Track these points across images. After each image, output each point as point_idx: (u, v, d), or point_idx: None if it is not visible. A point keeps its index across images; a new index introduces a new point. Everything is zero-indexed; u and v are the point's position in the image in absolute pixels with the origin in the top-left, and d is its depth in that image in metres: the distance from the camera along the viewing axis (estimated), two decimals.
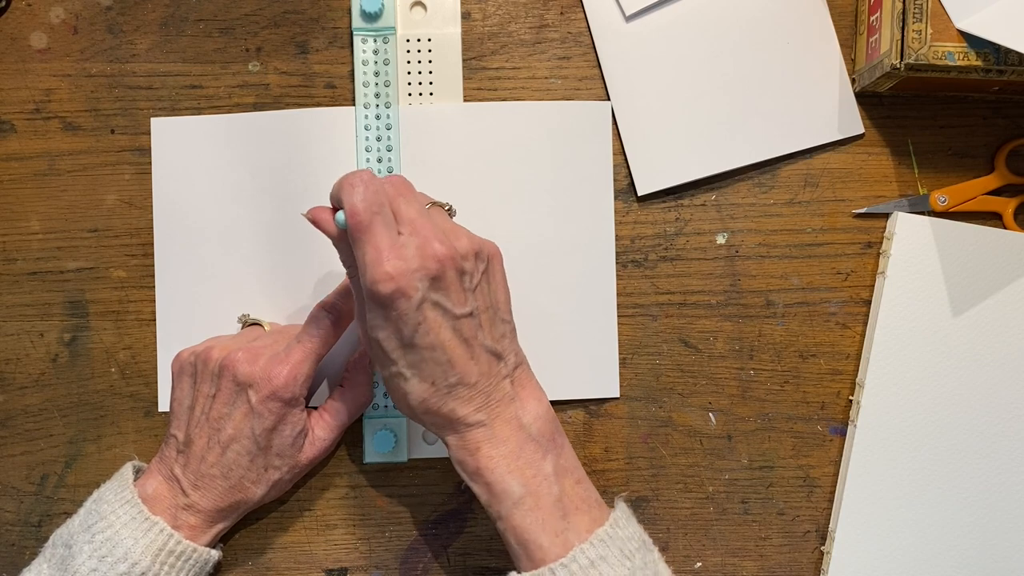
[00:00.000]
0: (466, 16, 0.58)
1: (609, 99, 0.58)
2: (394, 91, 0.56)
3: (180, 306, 0.56)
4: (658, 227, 0.58)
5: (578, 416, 0.57)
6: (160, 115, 0.57)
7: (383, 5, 0.56)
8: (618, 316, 0.57)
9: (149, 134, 0.57)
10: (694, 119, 0.57)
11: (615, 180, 0.58)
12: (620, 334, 0.57)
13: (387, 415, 0.56)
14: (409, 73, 0.56)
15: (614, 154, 0.58)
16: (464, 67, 0.58)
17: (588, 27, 0.58)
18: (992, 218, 0.58)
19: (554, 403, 0.56)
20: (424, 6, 0.57)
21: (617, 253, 0.57)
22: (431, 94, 0.56)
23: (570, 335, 0.56)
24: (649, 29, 0.57)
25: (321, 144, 0.56)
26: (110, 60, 0.57)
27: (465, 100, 0.57)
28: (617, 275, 0.57)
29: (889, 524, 0.55)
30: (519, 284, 0.55)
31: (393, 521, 0.57)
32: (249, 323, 0.55)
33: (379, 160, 0.56)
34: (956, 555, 0.55)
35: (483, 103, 0.57)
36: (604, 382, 0.57)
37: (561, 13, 0.58)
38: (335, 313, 0.52)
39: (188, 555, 0.49)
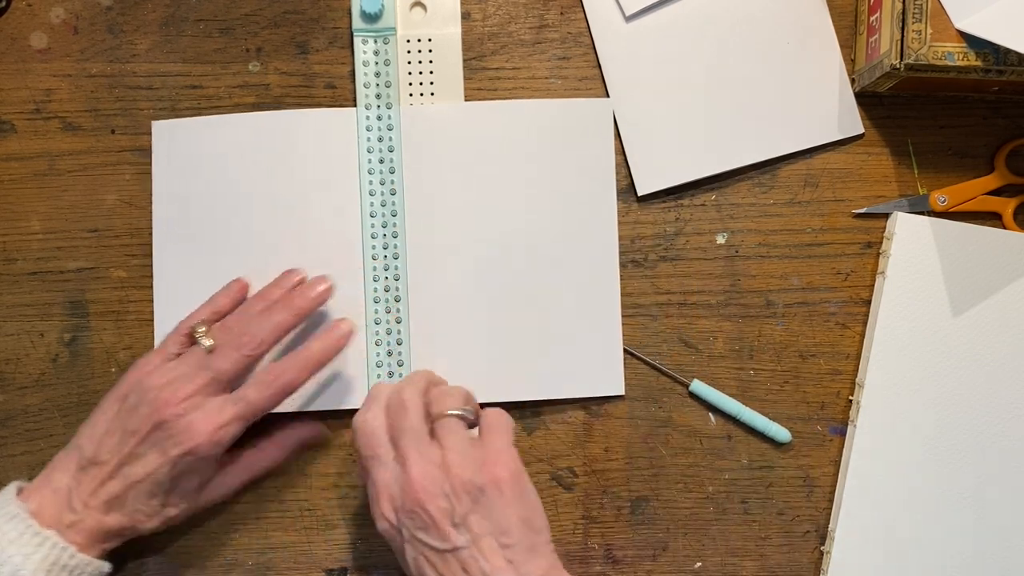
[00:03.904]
0: (466, 16, 0.58)
1: (608, 98, 0.58)
2: (395, 92, 0.56)
3: (178, 306, 0.55)
4: (658, 227, 0.58)
5: (578, 416, 0.57)
6: (161, 116, 0.57)
7: (383, 6, 0.56)
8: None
9: (149, 134, 0.57)
10: (694, 119, 0.57)
11: (615, 180, 0.58)
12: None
13: None
14: (410, 74, 0.56)
15: (614, 154, 0.58)
16: (464, 67, 0.58)
17: (588, 27, 0.58)
18: (992, 218, 0.58)
19: (558, 402, 0.56)
20: (424, 6, 0.57)
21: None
22: (432, 94, 0.56)
23: (574, 333, 0.56)
24: (649, 29, 0.57)
25: (322, 145, 0.56)
26: (110, 60, 0.57)
27: (466, 100, 0.57)
28: None
29: (889, 524, 0.55)
30: (522, 283, 0.55)
31: None
32: (197, 336, 0.51)
33: (381, 161, 0.56)
34: (956, 555, 0.55)
35: (484, 102, 0.57)
36: (608, 380, 0.57)
37: (561, 13, 0.58)
38: (286, 390, 0.51)
39: (82, 568, 0.49)
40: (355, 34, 0.56)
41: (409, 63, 0.56)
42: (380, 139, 0.56)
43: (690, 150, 0.57)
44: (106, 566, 0.50)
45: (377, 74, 0.56)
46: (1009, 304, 0.56)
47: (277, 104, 0.57)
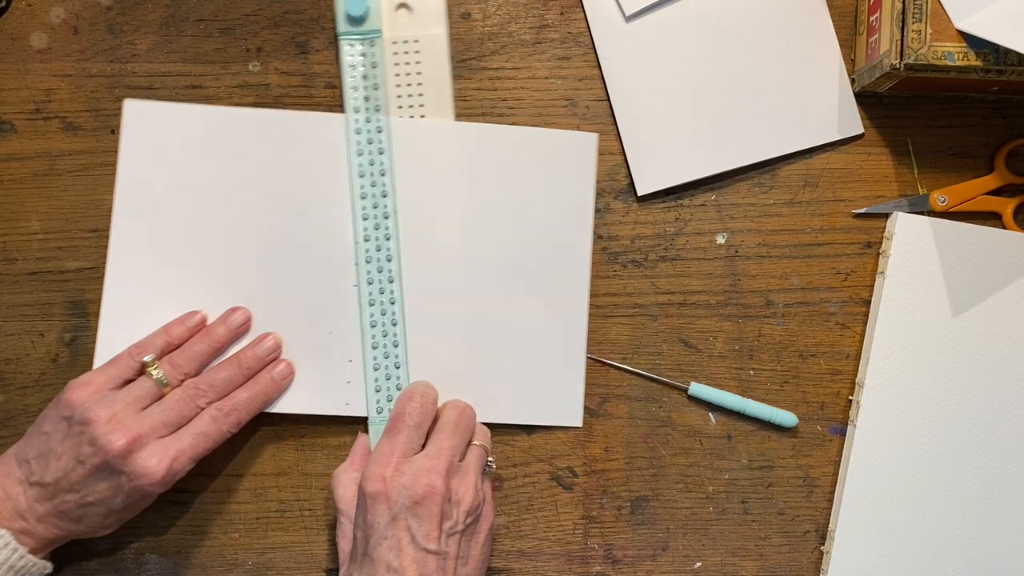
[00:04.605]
0: (466, 16, 0.58)
1: (608, 98, 0.58)
2: (383, 94, 0.56)
3: (131, 298, 0.55)
4: (658, 227, 0.58)
5: None
6: None
7: (368, 8, 0.55)
8: (618, 316, 0.57)
9: None
10: (694, 119, 0.57)
11: (615, 180, 0.58)
12: (620, 334, 0.57)
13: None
14: (398, 75, 0.56)
15: (613, 154, 0.58)
16: (464, 67, 0.58)
17: (588, 27, 0.58)
18: (992, 218, 0.58)
19: (515, 426, 0.57)
20: (409, 7, 0.56)
21: (617, 253, 0.58)
22: (420, 95, 0.56)
23: (533, 358, 0.56)
24: (649, 29, 0.57)
25: (308, 148, 0.56)
26: (110, 60, 0.57)
27: (456, 99, 0.57)
28: (617, 275, 0.57)
29: (889, 524, 0.55)
30: (490, 305, 0.56)
31: None
32: (151, 371, 0.51)
33: (371, 163, 0.56)
34: (956, 555, 0.55)
35: (473, 124, 0.56)
36: (567, 412, 0.57)
37: (561, 13, 0.58)
38: (239, 424, 0.52)
39: (28, 569, 0.49)
40: (341, 37, 0.56)
41: (396, 64, 0.56)
42: (370, 141, 0.56)
43: (690, 150, 0.57)
44: (48, 566, 0.51)
45: (365, 77, 0.56)
46: (1009, 304, 0.56)
47: (277, 104, 0.57)
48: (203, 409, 0.51)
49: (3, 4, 0.57)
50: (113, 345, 0.53)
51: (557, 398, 0.56)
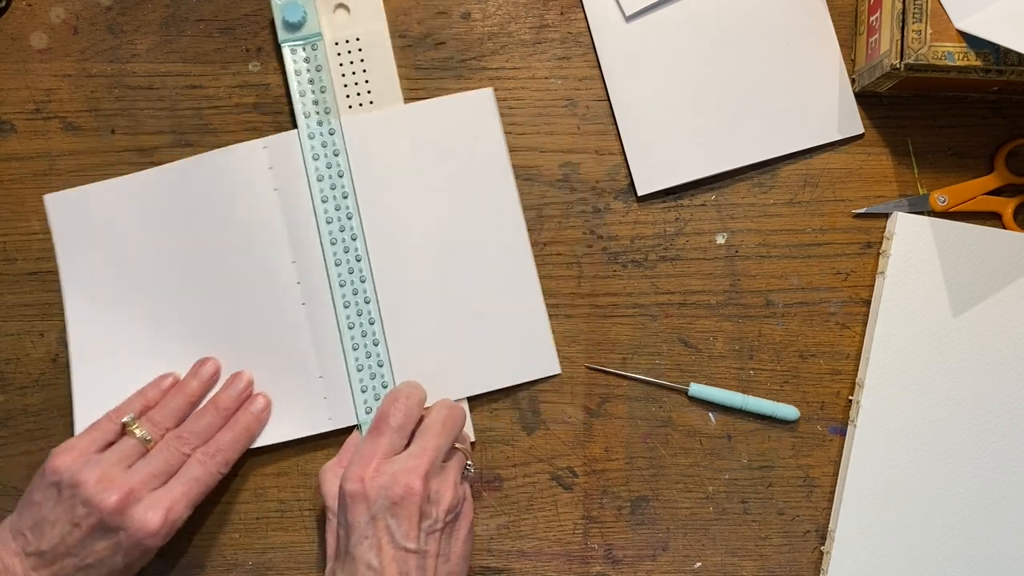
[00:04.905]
0: (466, 16, 0.58)
1: (608, 98, 0.58)
2: (331, 96, 0.56)
3: (100, 375, 0.55)
4: (658, 227, 0.58)
5: (578, 416, 0.57)
6: (160, 115, 0.57)
7: (305, 14, 0.55)
8: (618, 316, 0.57)
9: (150, 134, 0.57)
10: (694, 119, 0.57)
11: (615, 180, 0.58)
12: (620, 334, 0.57)
13: None
14: (344, 76, 0.56)
15: (613, 154, 0.58)
16: (464, 67, 0.58)
17: (588, 27, 0.58)
18: (992, 218, 0.58)
19: (501, 391, 0.57)
20: (347, 8, 0.56)
21: (617, 253, 0.58)
22: (368, 92, 0.56)
23: (500, 322, 0.57)
24: (649, 29, 0.57)
25: (228, 184, 0.55)
26: (110, 60, 0.57)
27: (403, 90, 0.57)
28: (617, 275, 0.57)
29: (889, 524, 0.55)
30: (443, 283, 0.56)
31: None
32: (132, 428, 0.52)
33: (328, 166, 0.56)
34: (956, 555, 0.55)
35: (368, 115, 0.56)
36: (542, 361, 0.57)
37: (561, 13, 0.58)
38: (228, 463, 0.52)
39: None
40: (282, 45, 0.56)
41: (341, 65, 0.56)
42: (324, 144, 0.56)
43: (690, 150, 0.57)
44: None
45: (311, 81, 0.56)
46: (1009, 304, 0.56)
47: (277, 103, 0.57)
48: (190, 456, 0.52)
49: (3, 4, 0.57)
50: (90, 420, 0.53)
51: (530, 353, 0.57)
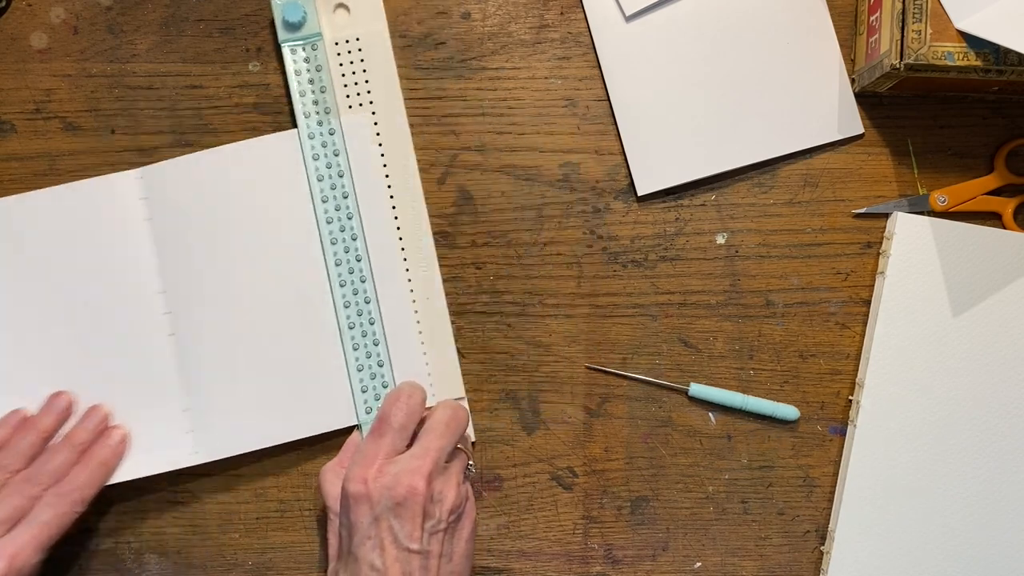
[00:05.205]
0: (466, 16, 0.58)
1: (608, 98, 0.58)
2: (331, 96, 0.56)
3: None
4: (658, 227, 0.58)
5: (578, 416, 0.57)
6: (160, 115, 0.57)
7: (305, 13, 0.55)
8: (618, 316, 0.57)
9: (150, 134, 0.57)
10: (694, 119, 0.57)
11: (615, 180, 0.58)
12: (620, 334, 0.57)
13: None
14: (344, 76, 0.56)
15: (613, 154, 0.58)
16: (464, 67, 0.58)
17: (588, 27, 0.58)
18: (992, 218, 0.58)
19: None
20: (347, 7, 0.56)
21: (617, 253, 0.58)
22: (368, 92, 0.56)
23: (299, 371, 0.55)
24: (649, 29, 0.57)
25: (87, 217, 0.55)
26: (110, 60, 0.57)
27: (403, 90, 0.57)
28: (617, 275, 0.57)
29: (889, 524, 0.55)
30: (243, 333, 0.55)
31: None
32: None
33: (328, 166, 0.56)
34: (956, 555, 0.55)
35: (184, 157, 0.56)
36: (339, 412, 0.55)
37: (561, 13, 0.58)
38: (84, 503, 0.51)
39: None
40: (282, 45, 0.56)
41: (341, 65, 0.56)
42: (324, 144, 0.56)
43: (690, 150, 0.57)
44: None
45: (311, 81, 0.56)
46: (1009, 304, 0.56)
47: (277, 103, 0.57)
48: (40, 497, 0.50)
49: (3, 4, 0.57)
50: None
51: (325, 403, 0.55)
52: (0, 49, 0.57)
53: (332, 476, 0.52)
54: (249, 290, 0.55)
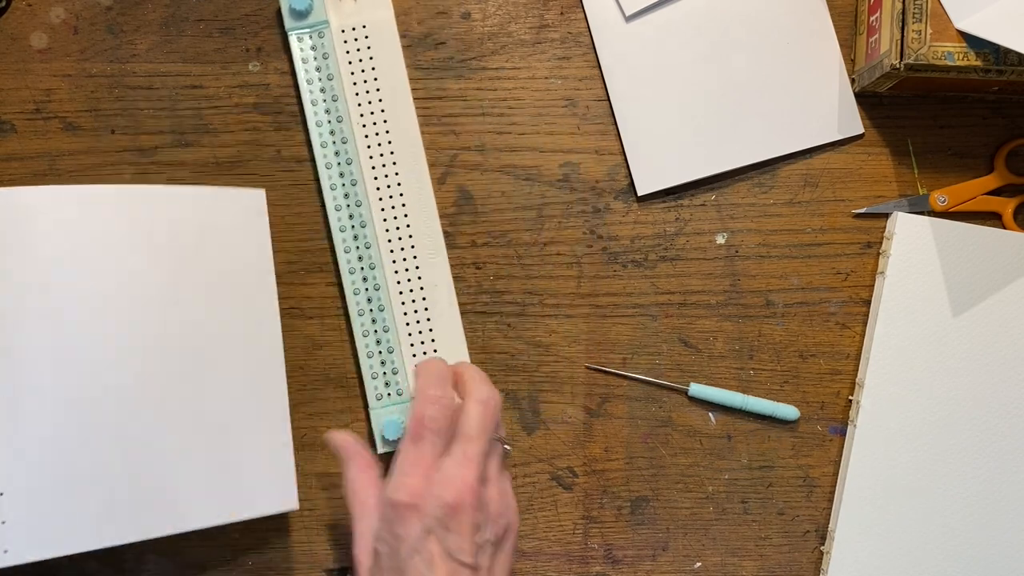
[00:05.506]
0: (466, 16, 0.58)
1: (608, 98, 0.58)
2: (338, 83, 0.56)
3: None
4: (658, 227, 0.58)
5: (578, 416, 0.57)
6: (160, 116, 0.57)
7: (312, 1, 0.56)
8: (618, 316, 0.57)
9: (151, 134, 0.57)
10: (694, 119, 0.57)
11: (615, 180, 0.58)
12: (620, 334, 0.57)
13: (392, 403, 0.56)
14: (351, 63, 0.56)
15: (613, 154, 0.58)
16: (464, 67, 0.58)
17: (588, 27, 0.58)
18: (992, 218, 0.58)
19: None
20: None
21: (617, 253, 0.58)
22: (376, 79, 0.56)
23: (237, 445, 0.50)
24: (649, 29, 0.57)
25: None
26: (110, 60, 0.57)
27: (411, 81, 0.57)
28: (617, 275, 0.57)
29: (889, 524, 0.55)
30: (182, 392, 0.49)
31: None
32: None
33: (336, 153, 0.56)
34: (956, 555, 0.55)
35: (139, 187, 0.51)
36: (279, 494, 0.51)
37: (561, 13, 0.58)
38: None
39: None
40: (289, 33, 0.56)
41: (348, 52, 0.56)
42: (332, 132, 0.56)
43: (690, 150, 0.57)
44: None
45: (318, 69, 0.56)
46: (1009, 304, 0.56)
47: (277, 104, 0.57)
48: None
49: (3, 4, 0.57)
50: None
51: (267, 483, 0.51)
52: (0, 49, 0.57)
53: (364, 484, 0.48)
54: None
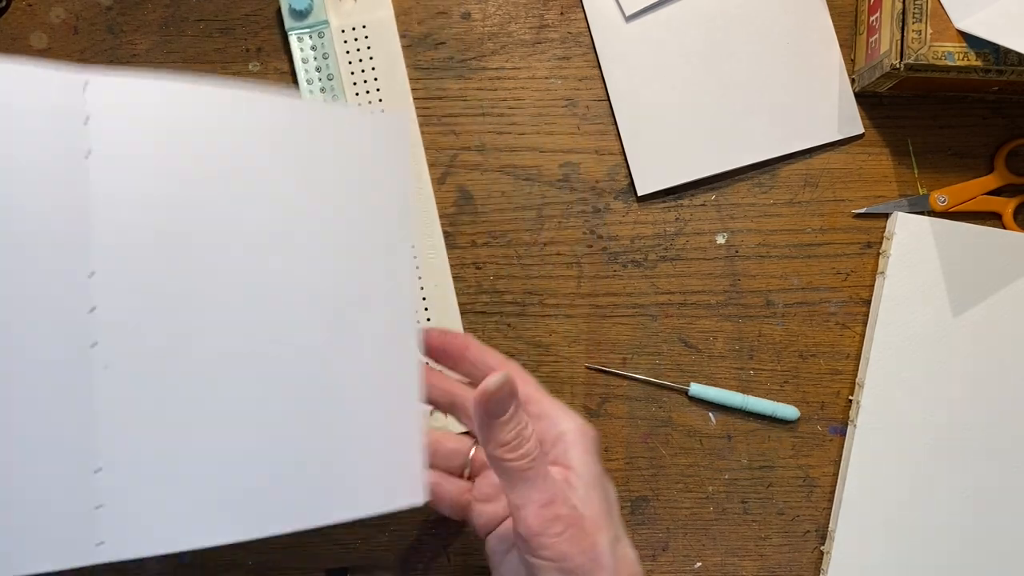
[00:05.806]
0: (466, 16, 0.58)
1: (608, 98, 0.58)
2: (338, 83, 0.56)
3: None
4: (658, 227, 0.58)
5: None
6: None
7: (312, 1, 0.56)
8: (618, 316, 0.57)
9: None
10: (694, 119, 0.57)
11: (615, 180, 0.58)
12: (620, 334, 0.57)
13: None
14: (351, 63, 0.56)
15: (613, 154, 0.58)
16: (464, 67, 0.58)
17: (588, 27, 0.58)
18: (992, 218, 0.58)
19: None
20: None
21: (617, 253, 0.58)
22: (375, 79, 0.56)
23: (358, 432, 0.39)
24: (649, 29, 0.57)
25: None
26: (110, 60, 0.57)
27: (410, 80, 0.57)
28: (617, 275, 0.57)
29: (889, 524, 0.55)
30: (332, 362, 0.39)
31: (393, 521, 0.57)
32: None
33: None
34: (956, 555, 0.55)
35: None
36: (404, 486, 0.41)
37: (561, 13, 0.58)
38: None
39: None
40: (289, 33, 0.56)
41: (348, 52, 0.56)
42: None
43: (690, 150, 0.57)
44: None
45: (318, 69, 0.56)
46: (1009, 304, 0.56)
47: None
48: None
49: (3, 4, 0.57)
50: None
51: (387, 472, 0.40)
52: (0, 49, 0.57)
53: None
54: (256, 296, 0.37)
